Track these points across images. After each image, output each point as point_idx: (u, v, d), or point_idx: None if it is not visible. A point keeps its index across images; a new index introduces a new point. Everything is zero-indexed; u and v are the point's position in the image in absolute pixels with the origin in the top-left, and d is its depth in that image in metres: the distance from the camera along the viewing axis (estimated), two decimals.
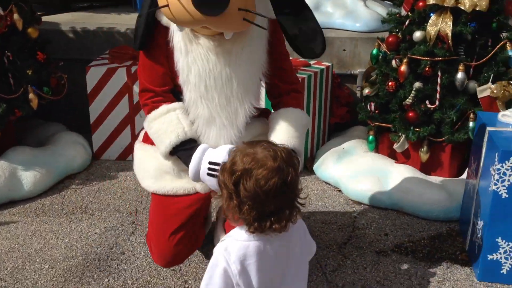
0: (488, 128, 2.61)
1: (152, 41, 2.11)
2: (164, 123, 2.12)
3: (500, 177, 2.40)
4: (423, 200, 3.10)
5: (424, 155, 3.32)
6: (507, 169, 2.38)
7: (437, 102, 3.20)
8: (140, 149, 2.42)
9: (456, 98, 3.19)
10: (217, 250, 1.66)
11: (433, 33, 3.12)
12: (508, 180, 2.40)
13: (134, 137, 3.72)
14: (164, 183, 2.29)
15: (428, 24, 3.15)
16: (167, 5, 1.83)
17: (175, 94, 2.21)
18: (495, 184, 2.42)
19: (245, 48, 2.03)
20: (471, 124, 3.19)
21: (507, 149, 2.37)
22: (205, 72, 2.01)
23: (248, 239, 1.63)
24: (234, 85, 2.04)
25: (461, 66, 3.14)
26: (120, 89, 3.66)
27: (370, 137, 3.50)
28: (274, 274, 1.68)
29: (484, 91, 3.17)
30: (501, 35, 3.20)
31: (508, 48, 3.16)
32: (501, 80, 3.16)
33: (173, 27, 2.04)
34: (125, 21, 4.31)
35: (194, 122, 2.14)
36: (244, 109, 2.09)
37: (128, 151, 3.78)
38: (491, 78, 3.16)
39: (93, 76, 3.64)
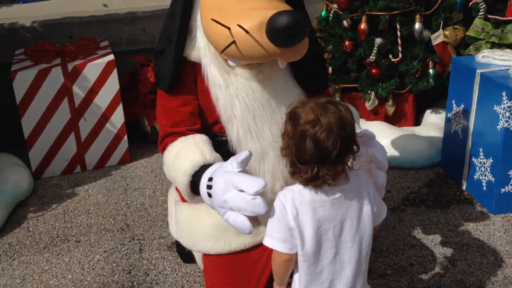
0: (480, 71, 2.74)
1: (177, 79, 1.89)
2: (182, 149, 1.87)
3: (511, 114, 2.55)
4: (407, 152, 3.20)
5: (390, 108, 3.41)
6: None
7: (400, 55, 3.28)
8: (187, 209, 2.05)
9: (416, 48, 3.30)
10: (276, 198, 1.60)
11: None
12: None
13: (80, 145, 3.25)
14: (228, 240, 1.95)
15: None
16: (233, 42, 1.64)
17: (210, 136, 1.97)
18: (506, 121, 2.57)
19: (282, 71, 1.89)
20: (431, 71, 3.34)
21: None
22: (252, 102, 1.84)
23: (303, 188, 1.57)
24: (283, 111, 1.85)
25: (417, 16, 3.26)
26: (57, 92, 3.15)
27: (337, 99, 3.49)
28: (329, 225, 1.58)
29: (438, 37, 3.34)
30: None
31: None
32: (449, 26, 3.34)
33: (207, 61, 1.85)
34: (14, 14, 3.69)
35: None
36: None
37: (75, 162, 3.30)
38: (441, 24, 3.32)
39: (21, 82, 3.06)
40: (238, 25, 1.62)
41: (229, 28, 1.66)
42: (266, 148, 1.88)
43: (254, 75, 1.86)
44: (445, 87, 3.33)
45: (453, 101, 3.01)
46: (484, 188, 2.80)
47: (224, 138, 1.94)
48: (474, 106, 2.81)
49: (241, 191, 1.55)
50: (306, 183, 1.54)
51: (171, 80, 1.89)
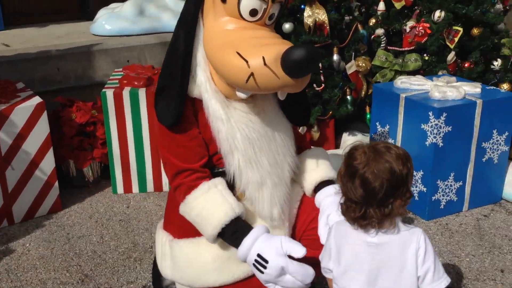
0: (403, 95, 3.10)
1: (181, 115, 1.92)
2: (208, 202, 1.91)
3: (439, 131, 2.92)
4: None
5: (316, 133, 3.67)
6: (441, 123, 2.91)
7: (322, 84, 3.55)
8: (186, 245, 2.05)
9: (335, 77, 3.61)
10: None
11: (311, 23, 3.44)
12: (443, 132, 2.93)
13: (7, 196, 3.00)
14: (231, 270, 1.99)
15: (305, 16, 3.44)
16: (252, 74, 1.72)
17: (209, 166, 2.02)
18: (435, 137, 2.93)
19: (273, 104, 2.02)
20: (349, 97, 3.67)
21: (440, 107, 2.89)
22: (252, 134, 1.93)
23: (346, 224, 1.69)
24: (278, 142, 2.00)
25: (335, 49, 3.57)
26: None
27: None
28: (362, 266, 1.67)
29: (351, 67, 3.68)
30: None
31: (360, 28, 3.72)
32: (359, 56, 3.71)
33: (208, 96, 1.90)
34: None
35: (245, 190, 1.98)
36: (288, 164, 2.03)
37: (1, 216, 3.02)
38: (352, 55, 3.68)
39: None
40: (263, 57, 1.70)
41: (247, 62, 1.72)
42: (264, 176, 1.96)
43: (251, 108, 1.95)
44: (356, 111, 3.70)
45: (377, 123, 3.33)
46: (416, 198, 3.14)
47: (221, 170, 1.99)
48: (400, 126, 3.15)
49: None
50: (353, 221, 1.63)
51: (176, 116, 1.89)
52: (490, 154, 3.16)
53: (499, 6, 3.73)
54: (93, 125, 3.41)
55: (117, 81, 3.42)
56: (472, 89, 3.12)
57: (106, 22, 4.16)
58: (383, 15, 3.79)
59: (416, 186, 3.11)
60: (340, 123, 3.84)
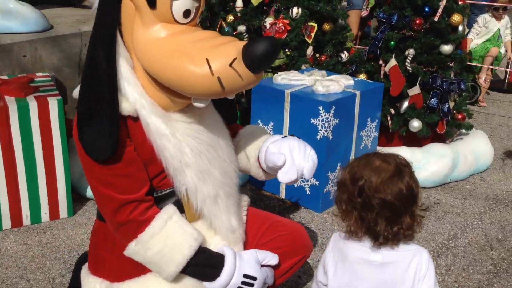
0: (288, 91, 3.10)
1: (117, 142, 1.64)
2: (168, 238, 1.69)
3: (329, 124, 2.99)
4: None
5: None
6: (331, 116, 2.99)
7: None
8: (135, 285, 1.78)
9: None
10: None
11: None
12: (332, 125, 3.02)
13: None
14: None
15: None
16: (219, 79, 1.55)
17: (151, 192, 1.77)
18: (326, 131, 3.00)
19: (209, 107, 1.86)
20: None
21: (330, 101, 2.97)
22: (200, 146, 1.76)
23: (346, 237, 1.62)
24: (224, 148, 1.86)
25: None
26: None
27: None
28: (361, 283, 1.60)
29: None
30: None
31: (224, 25, 3.61)
32: None
33: (145, 112, 1.67)
34: None
35: (202, 207, 1.78)
36: (234, 170, 1.90)
37: None
38: None
39: None
40: (226, 58, 1.53)
41: (210, 67, 1.53)
42: (217, 188, 1.81)
43: (192, 117, 1.77)
44: None
45: (259, 121, 3.29)
46: (308, 192, 3.19)
47: (165, 192, 1.77)
48: (287, 122, 3.15)
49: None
50: (357, 236, 1.56)
51: (112, 145, 1.60)
52: (365, 141, 3.36)
53: (344, 3, 3.99)
54: None
55: None
56: (346, 81, 3.27)
57: None
58: (242, 12, 3.74)
59: (308, 181, 3.16)
60: None
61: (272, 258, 1.81)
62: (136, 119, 1.67)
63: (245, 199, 2.05)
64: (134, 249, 1.67)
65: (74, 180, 3.16)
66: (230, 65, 1.53)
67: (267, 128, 3.26)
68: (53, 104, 2.79)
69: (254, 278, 1.72)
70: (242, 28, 3.70)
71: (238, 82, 1.57)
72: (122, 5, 1.62)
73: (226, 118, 1.94)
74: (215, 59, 1.54)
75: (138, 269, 1.74)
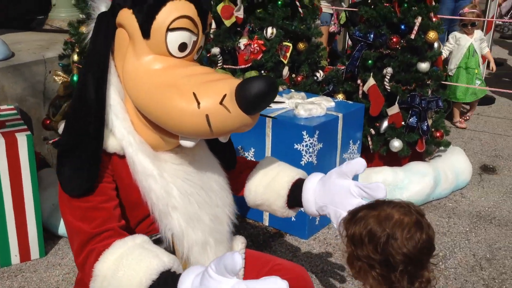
0: (269, 116, 3.00)
1: (96, 178, 1.53)
2: (123, 259, 1.44)
3: (313, 149, 2.91)
4: None
5: None
6: (315, 141, 2.90)
7: None
8: None
9: None
10: None
11: None
12: (316, 149, 2.93)
13: None
14: None
15: None
16: (207, 117, 1.44)
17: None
18: (310, 156, 2.91)
19: (203, 148, 1.76)
20: None
21: (313, 125, 2.88)
22: (190, 188, 1.64)
23: None
24: (216, 192, 1.74)
25: None
26: None
27: None
28: None
29: None
30: None
31: None
32: None
33: (132, 151, 1.56)
34: None
35: (189, 255, 1.63)
36: (227, 215, 1.77)
37: None
38: None
39: None
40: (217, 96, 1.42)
41: (198, 103, 1.43)
42: (207, 235, 1.68)
43: (182, 158, 1.66)
44: None
45: (240, 147, 3.17)
46: (293, 218, 3.07)
47: (157, 237, 1.62)
48: (269, 148, 3.05)
49: None
50: None
51: (90, 181, 1.49)
52: None
53: (318, 22, 3.93)
54: None
55: None
56: (327, 103, 3.19)
57: None
58: (215, 33, 3.63)
59: None
60: None
61: (234, 262, 1.24)
62: (122, 157, 1.57)
63: (242, 241, 1.91)
64: (95, 275, 1.43)
65: (44, 218, 2.96)
66: (221, 102, 1.43)
67: (248, 155, 3.14)
68: (22, 140, 2.60)
69: None
70: (215, 50, 3.59)
71: (228, 122, 1.46)
72: (116, 33, 1.54)
73: (223, 161, 1.82)
74: (205, 95, 1.44)
75: None
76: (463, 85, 5.04)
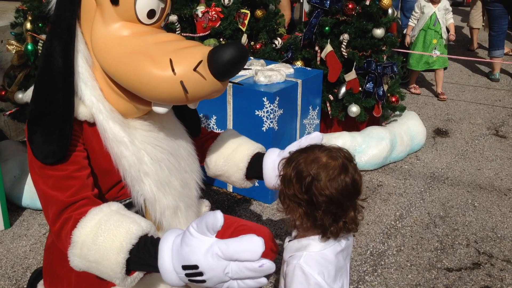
0: (230, 83, 3.01)
1: (68, 146, 1.52)
2: (102, 224, 1.46)
3: (274, 115, 2.95)
4: None
5: None
6: (275, 107, 2.94)
7: None
8: None
9: None
10: (296, 269, 1.54)
11: None
12: (277, 115, 2.97)
13: None
14: None
15: None
16: (182, 83, 1.46)
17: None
18: (271, 122, 2.95)
19: (171, 116, 1.79)
20: None
21: (274, 91, 2.91)
22: (160, 154, 1.67)
23: (323, 248, 1.56)
24: (185, 158, 1.77)
25: None
26: None
27: None
28: (345, 279, 1.66)
29: None
30: None
31: None
32: None
33: (103, 118, 1.56)
34: None
35: (161, 219, 1.67)
36: (195, 181, 1.81)
37: None
38: None
39: None
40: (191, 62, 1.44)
41: (173, 70, 1.45)
42: (177, 200, 1.72)
43: (152, 125, 1.68)
44: None
45: (201, 114, 3.19)
46: (256, 184, 3.12)
47: (126, 202, 1.65)
48: (230, 115, 3.07)
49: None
50: (325, 231, 1.53)
51: (62, 148, 1.49)
52: (308, 129, 3.35)
53: None
54: None
55: None
56: (287, 70, 3.23)
57: None
58: (172, 1, 3.59)
59: None
60: None
61: (216, 220, 1.29)
62: (92, 124, 1.57)
63: (206, 204, 1.97)
64: (72, 253, 1.45)
65: (7, 189, 2.91)
66: (195, 69, 1.45)
67: (210, 122, 3.16)
68: None
69: (196, 267, 1.34)
70: (173, 18, 3.55)
71: (202, 88, 1.49)
72: None
73: (189, 128, 1.85)
74: (179, 62, 1.45)
75: (99, 284, 1.60)
76: (415, 52, 5.11)
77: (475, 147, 4.15)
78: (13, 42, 3.05)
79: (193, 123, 1.90)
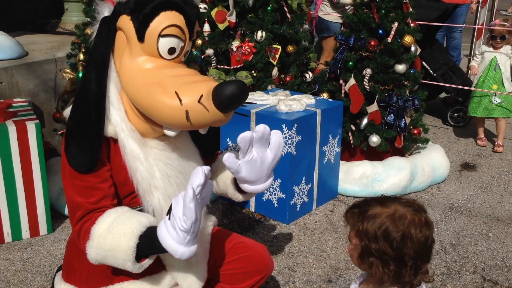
0: (253, 110, 3.32)
1: (98, 159, 1.82)
2: (117, 220, 1.77)
3: (292, 141, 3.21)
4: None
5: None
6: (293, 133, 3.21)
7: None
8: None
9: None
10: None
11: None
12: (295, 141, 3.24)
13: None
14: None
15: None
16: (187, 112, 1.72)
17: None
18: (289, 147, 3.22)
19: (186, 139, 2.03)
20: None
21: (292, 119, 3.19)
22: (170, 171, 1.91)
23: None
24: None
25: None
26: None
27: None
28: None
29: None
30: None
31: (193, 49, 3.82)
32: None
33: (124, 136, 1.84)
34: None
35: None
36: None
37: None
38: None
39: None
40: (196, 95, 1.70)
41: (180, 100, 1.71)
42: None
43: (166, 145, 1.94)
44: None
45: (228, 139, 3.49)
46: (276, 205, 3.38)
47: (136, 209, 1.91)
48: None
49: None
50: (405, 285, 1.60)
51: (93, 160, 1.79)
52: (328, 156, 3.59)
53: (306, 26, 4.24)
54: None
55: None
56: (308, 100, 3.50)
57: None
58: (210, 36, 3.97)
59: (275, 194, 3.36)
60: None
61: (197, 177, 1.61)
62: (116, 141, 1.84)
63: (212, 219, 2.18)
64: (91, 246, 1.73)
65: (52, 199, 3.31)
66: (199, 101, 1.69)
67: (236, 146, 3.45)
68: (31, 128, 2.95)
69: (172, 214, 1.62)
70: (210, 51, 3.92)
71: (204, 118, 1.72)
72: (116, 35, 1.81)
73: (202, 151, 2.08)
74: (186, 94, 1.71)
75: (107, 279, 1.88)
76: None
77: (500, 182, 4.22)
78: (68, 70, 3.49)
79: (206, 146, 2.14)
